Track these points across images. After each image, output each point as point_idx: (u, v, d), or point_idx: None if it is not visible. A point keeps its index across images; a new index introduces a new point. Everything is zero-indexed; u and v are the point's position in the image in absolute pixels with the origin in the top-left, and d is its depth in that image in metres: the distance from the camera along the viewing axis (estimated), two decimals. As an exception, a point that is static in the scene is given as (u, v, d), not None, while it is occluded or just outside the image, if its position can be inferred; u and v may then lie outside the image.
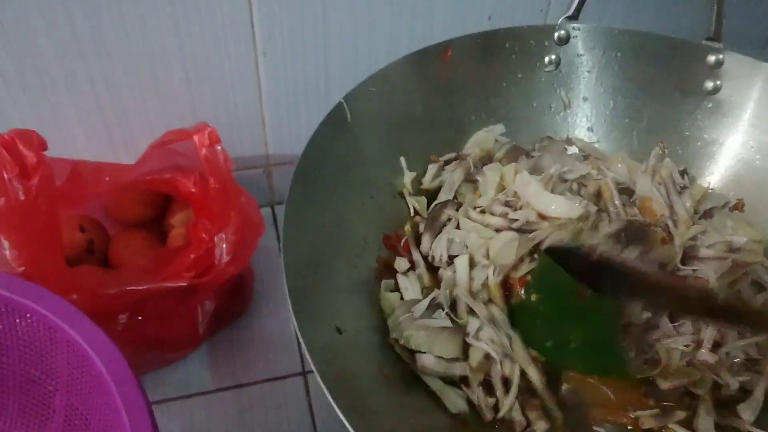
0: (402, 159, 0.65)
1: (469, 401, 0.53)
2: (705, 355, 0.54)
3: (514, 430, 0.51)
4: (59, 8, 0.60)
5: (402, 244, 0.61)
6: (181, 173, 0.62)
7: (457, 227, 0.61)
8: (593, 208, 0.60)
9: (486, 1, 0.71)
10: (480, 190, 0.64)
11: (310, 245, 0.52)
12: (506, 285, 0.57)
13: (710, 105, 0.66)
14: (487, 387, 0.53)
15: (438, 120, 0.67)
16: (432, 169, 0.66)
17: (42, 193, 0.53)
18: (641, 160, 0.68)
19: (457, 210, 0.62)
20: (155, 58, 0.66)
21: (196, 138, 0.60)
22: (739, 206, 0.65)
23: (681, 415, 0.53)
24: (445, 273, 0.59)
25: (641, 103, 0.69)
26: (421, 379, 0.53)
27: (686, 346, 0.55)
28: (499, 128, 0.69)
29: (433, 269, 0.60)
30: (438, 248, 0.60)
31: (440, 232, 0.61)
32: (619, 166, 0.66)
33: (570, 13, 0.66)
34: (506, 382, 0.53)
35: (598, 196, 0.62)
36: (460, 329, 0.54)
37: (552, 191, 0.59)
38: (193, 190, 0.62)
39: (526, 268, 0.56)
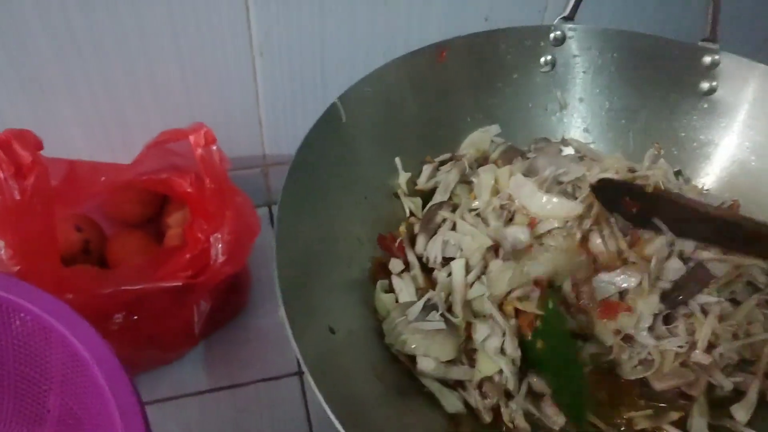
0: (397, 159, 0.65)
1: (465, 401, 0.53)
2: (699, 356, 0.54)
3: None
4: (56, 8, 0.60)
5: (397, 245, 0.61)
6: (177, 173, 0.63)
7: (453, 229, 0.61)
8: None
9: (483, 1, 0.71)
10: (475, 192, 0.64)
11: (304, 246, 0.52)
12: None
13: (706, 106, 0.66)
14: (484, 389, 0.53)
15: (433, 120, 0.67)
16: (427, 169, 0.66)
17: (37, 192, 0.53)
18: (637, 161, 0.67)
19: (453, 211, 0.62)
20: (152, 57, 0.66)
21: (191, 138, 0.60)
22: (734, 207, 0.65)
23: (674, 416, 0.53)
24: (439, 275, 0.59)
25: (637, 104, 0.69)
26: (416, 378, 0.54)
27: (680, 347, 0.55)
28: (495, 129, 0.69)
29: (427, 270, 0.60)
30: (432, 250, 0.60)
31: (435, 233, 0.61)
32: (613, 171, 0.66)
33: (566, 13, 0.66)
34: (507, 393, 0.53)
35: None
36: (456, 330, 0.54)
37: (547, 193, 0.59)
38: (189, 190, 0.62)
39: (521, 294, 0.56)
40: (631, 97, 0.69)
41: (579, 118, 0.71)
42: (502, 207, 0.61)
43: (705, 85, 0.65)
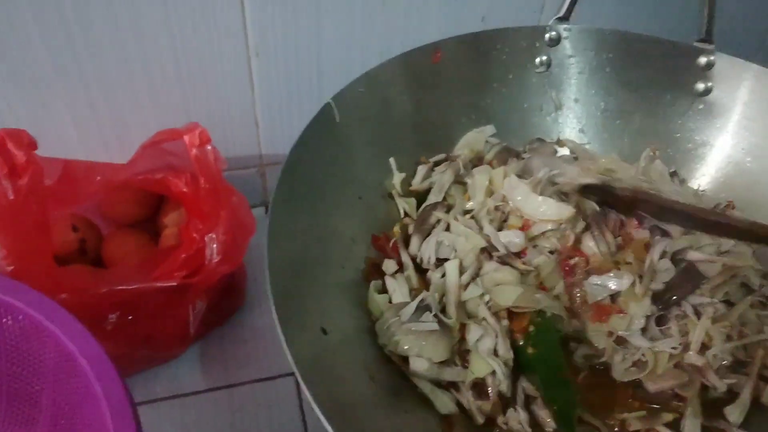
0: (391, 160, 0.64)
1: (458, 402, 0.53)
2: (693, 357, 0.54)
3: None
4: (51, 7, 0.60)
5: (391, 245, 0.61)
6: (172, 173, 0.63)
7: (447, 229, 0.61)
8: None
9: (480, 1, 0.71)
10: (469, 193, 0.64)
11: (297, 246, 0.52)
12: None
13: (701, 106, 0.66)
14: (477, 390, 0.53)
15: (428, 121, 0.67)
16: (421, 170, 0.66)
17: (31, 192, 0.54)
18: (632, 162, 0.68)
19: (447, 212, 0.62)
20: (148, 57, 0.66)
21: (186, 138, 0.60)
22: (729, 208, 0.65)
23: (668, 417, 0.53)
24: (433, 275, 0.59)
25: (632, 104, 0.68)
26: (409, 379, 0.53)
27: (674, 348, 0.55)
28: (490, 129, 0.69)
29: (421, 271, 0.60)
30: (426, 250, 0.60)
31: (429, 234, 0.61)
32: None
33: (561, 14, 0.65)
34: (500, 394, 0.53)
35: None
36: (449, 331, 0.54)
37: (541, 194, 0.59)
38: (184, 189, 0.62)
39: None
40: (626, 98, 0.68)
41: (574, 119, 0.71)
42: (496, 208, 0.61)
43: (700, 86, 0.65)
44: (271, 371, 0.68)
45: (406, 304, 0.55)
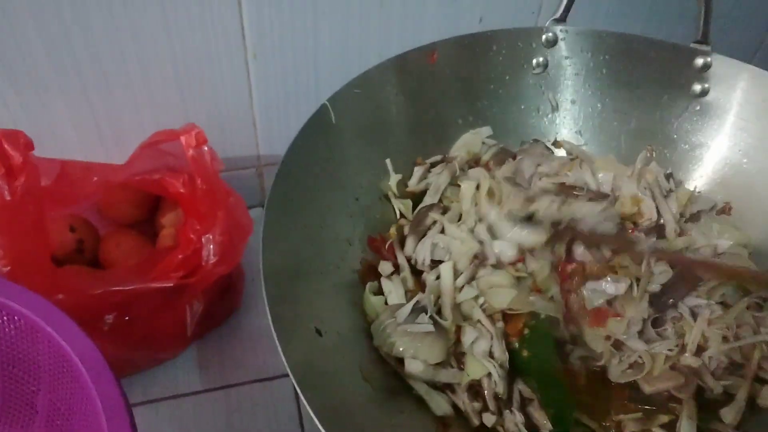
0: (387, 161, 0.65)
1: (453, 404, 0.53)
2: (689, 359, 0.55)
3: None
4: (50, 9, 0.60)
5: (387, 247, 0.61)
6: (170, 174, 0.63)
7: (442, 231, 0.61)
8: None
9: (477, 3, 0.71)
10: (460, 199, 0.64)
11: (292, 247, 0.52)
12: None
13: (698, 108, 0.66)
14: (473, 392, 0.53)
15: (424, 122, 0.67)
16: (418, 171, 0.66)
17: (28, 193, 0.54)
18: (629, 163, 0.68)
19: (443, 214, 0.62)
20: (146, 58, 0.66)
21: (183, 139, 0.61)
22: (726, 209, 0.65)
23: (664, 419, 0.53)
24: (428, 277, 0.59)
25: (629, 106, 0.68)
26: (404, 380, 0.54)
27: (670, 350, 0.55)
28: (486, 131, 0.69)
29: (417, 273, 0.60)
30: (421, 252, 0.60)
31: (425, 235, 0.61)
32: (602, 174, 0.66)
33: (558, 15, 0.65)
34: (496, 396, 0.53)
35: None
36: (445, 333, 0.54)
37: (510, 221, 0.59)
38: (181, 190, 0.62)
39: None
40: (623, 99, 0.68)
41: (571, 120, 0.71)
42: (480, 220, 0.61)
43: (697, 87, 0.65)
44: (269, 372, 0.68)
45: (401, 305, 0.55)
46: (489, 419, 0.52)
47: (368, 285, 0.58)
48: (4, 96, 0.65)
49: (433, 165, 0.67)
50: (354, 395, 0.49)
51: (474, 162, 0.68)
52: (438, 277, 0.58)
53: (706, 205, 0.65)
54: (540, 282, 0.57)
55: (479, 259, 0.58)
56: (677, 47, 0.65)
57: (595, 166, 0.66)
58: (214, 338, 0.70)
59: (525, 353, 0.54)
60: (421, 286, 0.59)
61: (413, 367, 0.53)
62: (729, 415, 0.52)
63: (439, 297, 0.57)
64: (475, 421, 0.52)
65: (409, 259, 0.61)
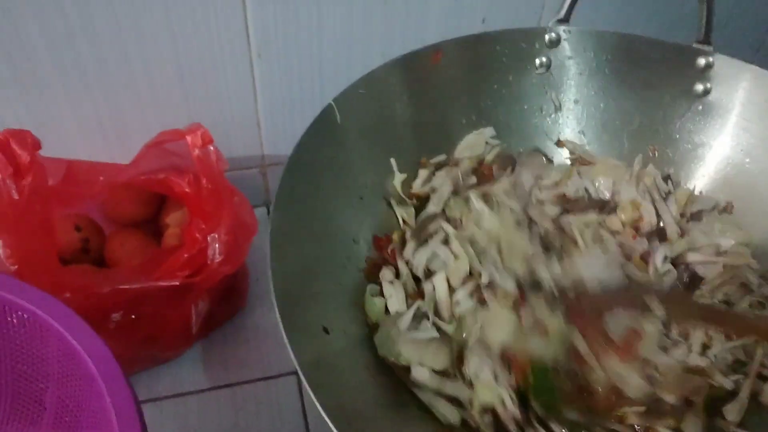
0: (392, 160, 0.65)
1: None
2: (696, 359, 0.54)
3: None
4: (54, 10, 0.60)
5: (389, 251, 0.61)
6: (175, 173, 0.63)
7: (444, 242, 0.61)
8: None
9: (480, 3, 0.72)
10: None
11: (299, 247, 0.52)
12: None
13: (700, 108, 0.66)
14: (492, 415, 0.51)
15: (428, 122, 0.67)
16: (423, 174, 0.66)
17: (35, 192, 0.54)
18: (632, 163, 0.68)
19: (447, 221, 0.62)
20: (150, 58, 0.66)
21: (188, 138, 0.61)
22: (728, 209, 0.65)
23: (669, 421, 0.52)
24: (425, 285, 0.58)
25: (632, 105, 0.68)
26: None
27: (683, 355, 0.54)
28: (489, 131, 0.69)
29: (417, 278, 0.60)
30: (418, 258, 0.60)
31: (426, 242, 0.61)
32: (601, 180, 0.66)
33: (561, 15, 0.66)
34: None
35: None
36: (448, 338, 0.54)
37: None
38: (187, 190, 0.62)
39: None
40: (625, 99, 0.68)
41: (574, 120, 0.71)
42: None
43: (699, 87, 0.65)
44: (273, 370, 0.68)
45: (402, 314, 0.55)
46: None
47: (369, 287, 0.58)
48: (9, 96, 0.65)
49: (438, 167, 0.67)
50: (362, 393, 0.49)
51: (478, 163, 0.68)
52: (434, 287, 0.57)
53: (707, 204, 0.65)
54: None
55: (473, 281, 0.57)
56: (679, 47, 0.65)
57: (593, 173, 0.67)
58: (218, 337, 0.70)
59: (532, 400, 0.51)
60: (420, 293, 0.58)
61: (419, 374, 0.52)
62: (732, 412, 0.52)
63: (437, 304, 0.57)
64: None
65: (407, 263, 0.60)
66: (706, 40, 0.63)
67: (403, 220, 0.64)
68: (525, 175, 0.65)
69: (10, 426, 0.49)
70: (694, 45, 0.64)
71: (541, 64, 0.68)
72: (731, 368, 0.55)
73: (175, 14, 0.63)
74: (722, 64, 0.64)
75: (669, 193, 0.66)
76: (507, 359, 0.52)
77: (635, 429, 0.52)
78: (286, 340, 0.43)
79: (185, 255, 0.59)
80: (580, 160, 0.70)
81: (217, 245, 0.60)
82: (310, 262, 0.53)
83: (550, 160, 0.71)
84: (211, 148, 0.61)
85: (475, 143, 0.69)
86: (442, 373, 0.53)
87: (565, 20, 0.66)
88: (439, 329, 0.54)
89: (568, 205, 0.64)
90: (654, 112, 0.68)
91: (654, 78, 0.67)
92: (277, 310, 0.45)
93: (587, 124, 0.71)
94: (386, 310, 0.57)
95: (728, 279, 0.58)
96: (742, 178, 0.65)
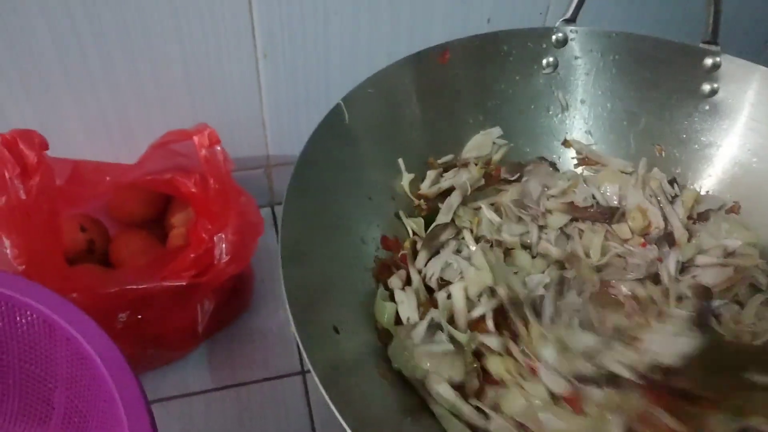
0: (400, 160, 0.65)
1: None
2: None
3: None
4: (61, 12, 0.60)
5: (399, 256, 0.61)
6: (181, 173, 0.63)
7: (457, 252, 0.61)
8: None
9: (485, 3, 0.72)
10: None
11: (308, 246, 0.52)
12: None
13: (707, 108, 0.66)
14: None
15: (435, 122, 0.67)
16: (431, 175, 0.66)
17: (43, 192, 0.54)
18: (638, 163, 0.68)
19: (456, 235, 0.62)
20: (156, 59, 0.66)
21: (195, 139, 0.61)
22: (735, 209, 0.65)
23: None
24: (439, 295, 0.58)
25: (638, 105, 0.68)
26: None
27: None
28: (497, 131, 0.69)
29: (428, 288, 0.60)
30: (432, 268, 0.59)
31: (437, 251, 0.61)
32: (608, 186, 0.66)
33: (568, 15, 0.66)
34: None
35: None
36: (461, 349, 0.53)
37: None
38: (193, 190, 0.62)
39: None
40: (632, 99, 0.69)
41: (581, 120, 0.71)
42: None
43: (706, 87, 0.65)
44: (279, 370, 0.68)
45: (415, 324, 0.54)
46: None
47: (379, 291, 0.58)
48: (15, 96, 0.65)
49: (446, 168, 0.67)
50: (374, 396, 0.49)
51: (485, 164, 0.68)
52: (449, 296, 0.57)
53: (714, 204, 0.65)
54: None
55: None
56: (686, 48, 0.65)
57: (598, 180, 0.67)
58: (224, 337, 0.70)
59: None
60: (432, 302, 0.58)
61: (440, 389, 0.50)
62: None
63: (452, 314, 0.56)
64: None
65: (419, 272, 0.60)
66: (714, 40, 0.63)
67: (413, 231, 0.64)
68: (533, 183, 0.65)
69: (18, 426, 0.49)
70: (701, 45, 0.64)
71: (548, 64, 0.68)
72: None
73: (182, 15, 0.63)
74: (729, 64, 0.64)
75: (675, 196, 0.66)
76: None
77: None
78: (297, 338, 0.43)
79: (192, 255, 0.59)
80: (586, 160, 0.70)
81: (224, 245, 0.60)
82: (320, 261, 0.53)
83: (556, 169, 0.71)
84: (219, 148, 0.61)
85: (482, 143, 0.69)
86: (460, 388, 0.51)
87: (572, 20, 0.66)
88: (452, 338, 0.53)
89: (576, 213, 0.64)
90: (661, 112, 0.68)
91: (661, 78, 0.67)
92: (288, 310, 0.44)
93: (594, 124, 0.71)
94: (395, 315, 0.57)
95: (738, 280, 0.58)
96: (750, 178, 0.65)
